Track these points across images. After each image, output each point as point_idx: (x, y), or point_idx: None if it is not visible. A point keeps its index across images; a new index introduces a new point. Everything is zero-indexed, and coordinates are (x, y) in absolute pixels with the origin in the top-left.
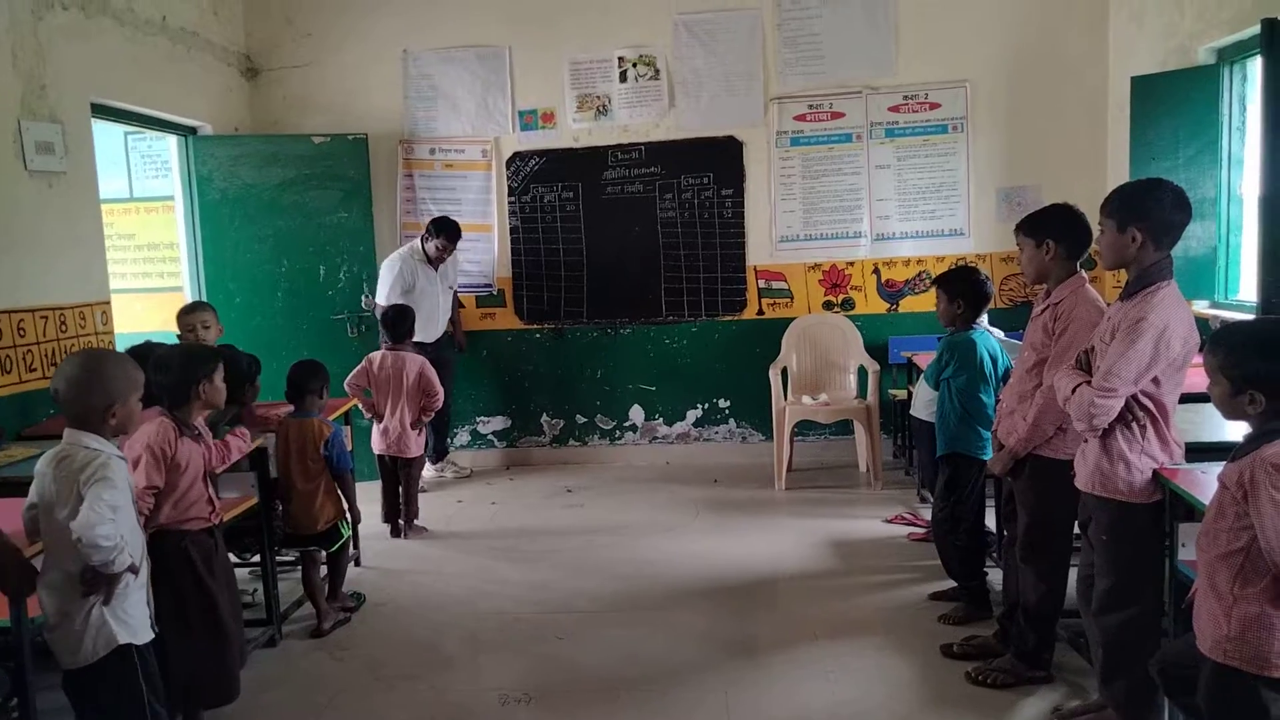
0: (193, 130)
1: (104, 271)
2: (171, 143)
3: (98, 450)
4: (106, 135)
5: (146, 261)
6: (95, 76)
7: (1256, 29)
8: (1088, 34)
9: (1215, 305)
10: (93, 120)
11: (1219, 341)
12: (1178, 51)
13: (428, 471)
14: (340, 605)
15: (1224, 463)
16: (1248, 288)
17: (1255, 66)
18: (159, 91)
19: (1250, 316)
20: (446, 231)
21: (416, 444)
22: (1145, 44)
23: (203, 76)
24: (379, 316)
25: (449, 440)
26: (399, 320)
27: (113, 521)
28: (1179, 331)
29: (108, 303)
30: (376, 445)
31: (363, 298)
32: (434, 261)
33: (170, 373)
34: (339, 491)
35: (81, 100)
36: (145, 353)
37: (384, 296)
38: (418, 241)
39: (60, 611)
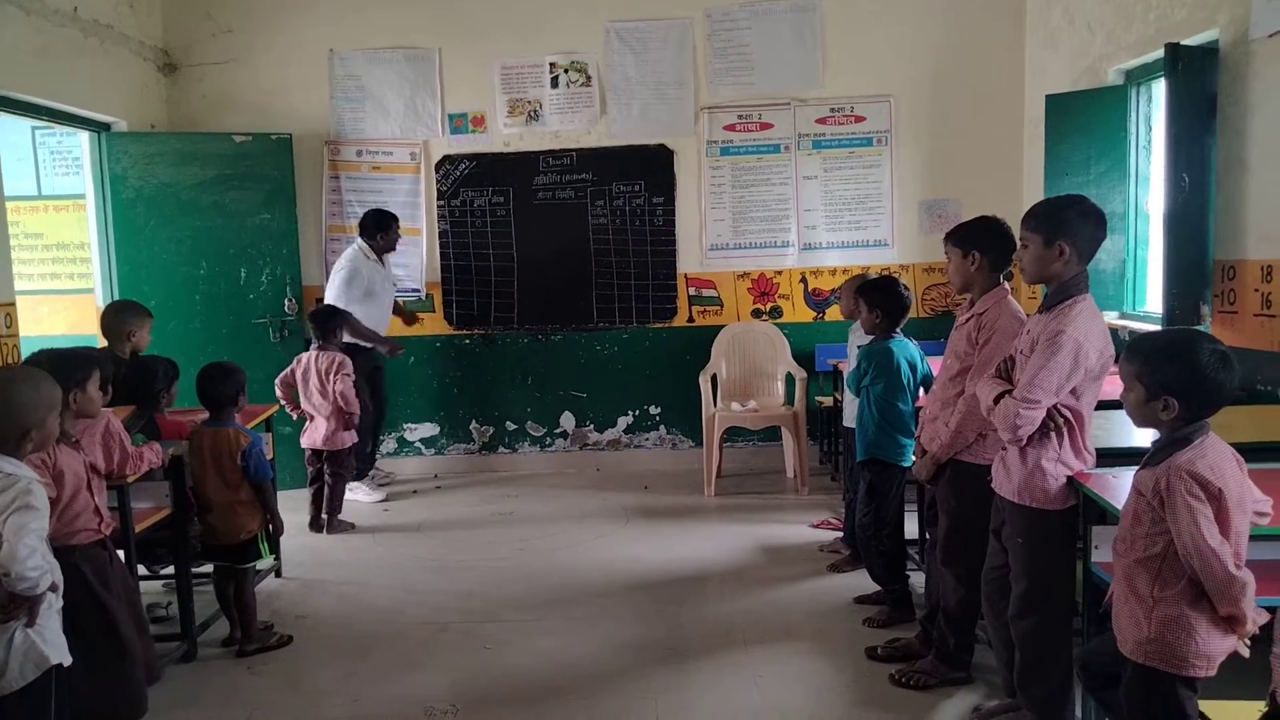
0: (106, 126)
1: (8, 272)
2: (83, 139)
3: (14, 475)
4: (13, 130)
5: (55, 262)
6: None
7: (1161, 53)
8: (1005, 54)
9: (1124, 316)
10: None
11: (1136, 349)
12: (1089, 72)
13: (361, 495)
14: (257, 645)
15: (1135, 468)
16: (1154, 299)
17: (1160, 88)
18: (69, 85)
19: (1156, 327)
20: (389, 218)
21: (344, 438)
22: (1058, 65)
23: (117, 71)
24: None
25: (377, 449)
26: (328, 318)
27: (40, 552)
28: (1095, 344)
29: (12, 304)
30: (304, 440)
31: (286, 301)
32: (382, 256)
33: None
34: (259, 501)
35: None
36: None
37: (340, 299)
38: (360, 242)
39: None
